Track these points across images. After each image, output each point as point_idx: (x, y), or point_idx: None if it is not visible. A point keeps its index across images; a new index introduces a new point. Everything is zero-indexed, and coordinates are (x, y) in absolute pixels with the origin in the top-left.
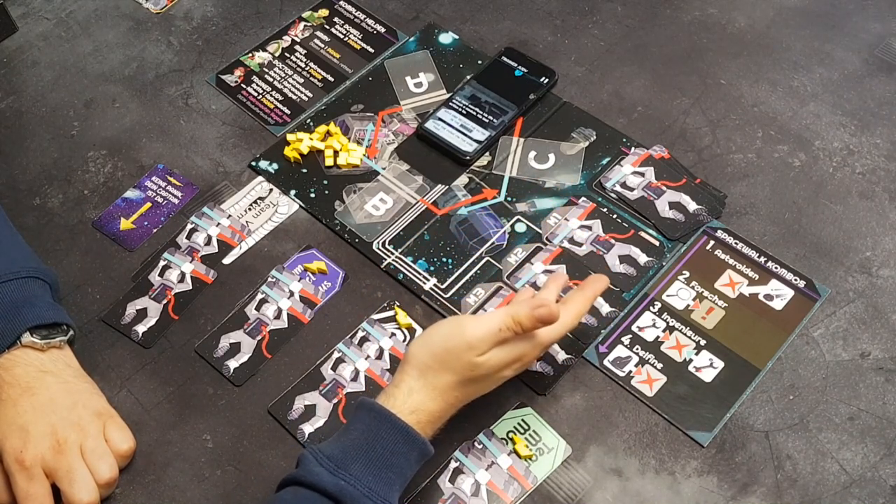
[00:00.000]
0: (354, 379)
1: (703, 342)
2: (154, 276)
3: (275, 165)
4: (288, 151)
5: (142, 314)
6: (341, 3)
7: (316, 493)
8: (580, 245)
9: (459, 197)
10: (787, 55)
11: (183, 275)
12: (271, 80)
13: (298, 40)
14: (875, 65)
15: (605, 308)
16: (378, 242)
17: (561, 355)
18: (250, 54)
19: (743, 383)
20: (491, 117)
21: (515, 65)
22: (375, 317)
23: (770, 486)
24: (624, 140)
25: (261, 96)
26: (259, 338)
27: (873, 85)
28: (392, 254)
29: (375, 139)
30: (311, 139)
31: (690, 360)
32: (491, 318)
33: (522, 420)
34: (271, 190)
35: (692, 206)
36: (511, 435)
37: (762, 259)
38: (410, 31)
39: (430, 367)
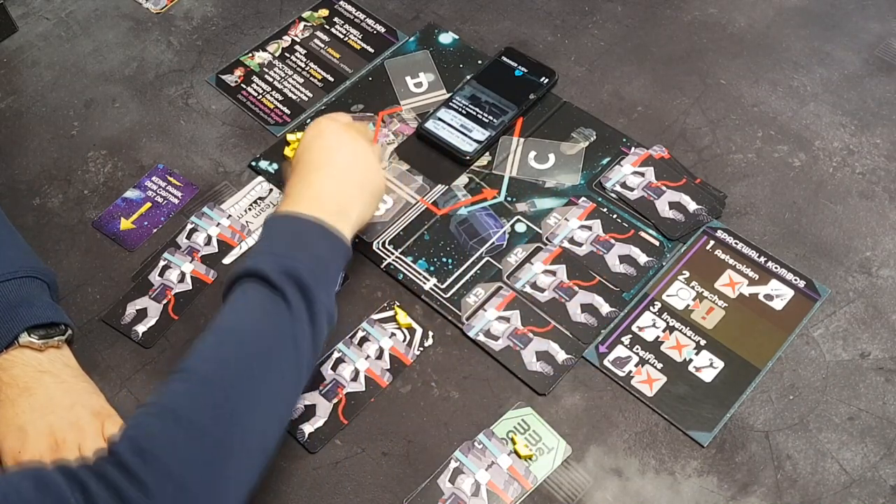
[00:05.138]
0: (354, 379)
1: (703, 342)
2: (154, 276)
3: (275, 165)
4: (288, 151)
5: (142, 314)
6: (341, 3)
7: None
8: (580, 245)
9: (459, 197)
10: (787, 55)
11: (183, 275)
12: (271, 80)
13: (298, 40)
14: (875, 65)
15: (605, 308)
16: (378, 242)
17: (561, 355)
18: (250, 54)
19: (743, 383)
20: (491, 117)
21: (515, 65)
22: (375, 317)
23: (770, 486)
24: (624, 140)
25: (261, 96)
26: None
27: (873, 85)
28: (392, 254)
29: (375, 139)
30: None
31: (690, 360)
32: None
33: (522, 420)
34: (271, 190)
35: (692, 206)
36: (511, 435)
37: (762, 259)
38: (410, 31)
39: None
